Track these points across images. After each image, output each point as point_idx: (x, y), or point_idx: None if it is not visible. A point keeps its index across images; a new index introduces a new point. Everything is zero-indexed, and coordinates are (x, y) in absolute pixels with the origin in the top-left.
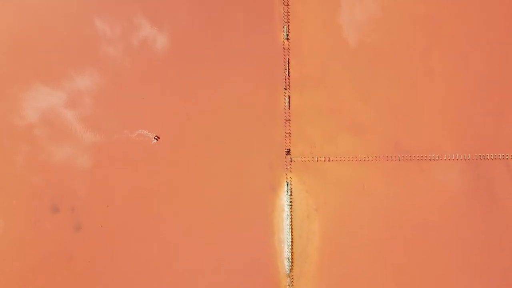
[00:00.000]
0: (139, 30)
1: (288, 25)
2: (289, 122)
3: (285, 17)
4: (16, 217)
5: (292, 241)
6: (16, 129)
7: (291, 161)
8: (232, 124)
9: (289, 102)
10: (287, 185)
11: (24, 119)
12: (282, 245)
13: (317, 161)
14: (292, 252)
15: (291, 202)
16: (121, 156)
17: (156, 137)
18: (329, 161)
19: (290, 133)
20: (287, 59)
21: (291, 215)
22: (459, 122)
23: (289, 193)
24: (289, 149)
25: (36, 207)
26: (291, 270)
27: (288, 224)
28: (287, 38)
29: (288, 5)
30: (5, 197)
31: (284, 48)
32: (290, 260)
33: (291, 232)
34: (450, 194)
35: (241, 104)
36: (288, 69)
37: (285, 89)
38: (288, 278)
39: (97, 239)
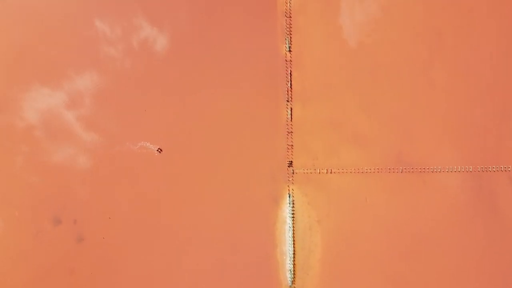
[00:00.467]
0: (139, 31)
1: (291, 37)
2: (291, 134)
3: (288, 29)
4: (18, 229)
5: (294, 253)
6: (16, 133)
7: (293, 173)
8: (234, 136)
9: (291, 114)
10: (289, 197)
11: (24, 120)
12: (284, 257)
13: (319, 173)
14: (294, 264)
15: (293, 214)
16: (123, 168)
17: (159, 150)
18: (331, 173)
19: (292, 145)
20: (289, 71)
21: (293, 227)
22: (461, 134)
23: (291, 205)
24: (291, 161)
25: (38, 218)
26: (293, 282)
27: (290, 236)
28: (290, 50)
29: (291, 17)
30: (7, 208)
31: (286, 60)
32: (292, 272)
33: (293, 244)
34: (452, 206)
35: (243, 116)
36: (291, 81)
37: (288, 101)
38: None
39: (99, 251)
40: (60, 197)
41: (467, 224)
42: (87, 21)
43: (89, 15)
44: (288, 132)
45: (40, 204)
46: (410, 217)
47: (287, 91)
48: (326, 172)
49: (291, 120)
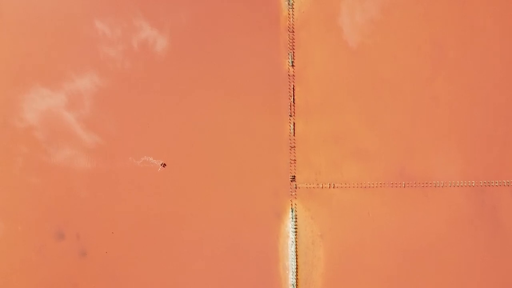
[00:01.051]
0: (140, 32)
1: (293, 52)
2: (294, 149)
3: (290, 44)
4: (21, 244)
5: (297, 268)
6: (16, 135)
7: (296, 188)
8: (237, 151)
9: (294, 129)
10: (292, 211)
11: (24, 121)
12: (287, 272)
13: (322, 187)
14: (297, 278)
15: (296, 228)
16: (126, 183)
17: (163, 164)
18: (334, 187)
19: (295, 160)
20: (292, 86)
21: (296, 241)
22: (464, 149)
23: (294, 219)
24: (294, 176)
25: (41, 233)
26: None
27: (293, 250)
28: (292, 65)
29: (293, 32)
30: (11, 223)
31: (289, 75)
32: (295, 287)
33: (296, 258)
34: (454, 220)
35: (246, 131)
36: (293, 96)
37: (290, 116)
38: None
39: (102, 266)
40: (63, 211)
41: (470, 238)
42: (87, 22)
43: (89, 17)
44: (291, 147)
45: (43, 219)
46: (413, 231)
47: (290, 106)
48: (328, 186)
49: (293, 135)
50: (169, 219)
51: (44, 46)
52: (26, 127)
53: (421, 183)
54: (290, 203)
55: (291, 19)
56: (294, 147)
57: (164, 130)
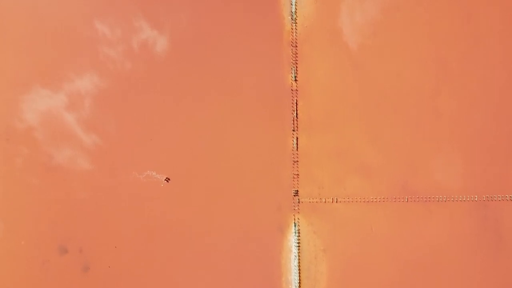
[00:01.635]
0: (140, 33)
1: (296, 67)
2: (297, 164)
3: (293, 59)
4: (24, 258)
5: (299, 282)
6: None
7: (299, 202)
8: (240, 165)
9: (297, 143)
10: (295, 226)
11: (23, 122)
12: (290, 287)
13: (325, 202)
14: None
15: (298, 243)
16: (129, 197)
17: (167, 179)
18: (337, 202)
19: (298, 175)
20: (295, 101)
21: (298, 256)
22: (467, 163)
23: (297, 234)
24: (297, 190)
25: (44, 248)
26: None
27: (296, 265)
28: (295, 80)
29: (296, 46)
30: (14, 238)
31: (292, 90)
32: None
33: (299, 273)
34: (457, 235)
35: (250, 145)
36: (296, 110)
37: (293, 130)
38: None
39: (105, 280)
40: (66, 226)
41: (472, 253)
42: (87, 23)
43: (89, 17)
44: (294, 161)
45: (46, 234)
46: (416, 246)
47: (293, 121)
48: (331, 201)
49: (297, 149)
50: (171, 234)
51: (44, 46)
52: (26, 127)
53: (424, 198)
54: (293, 218)
55: (294, 33)
56: (297, 161)
57: (167, 146)
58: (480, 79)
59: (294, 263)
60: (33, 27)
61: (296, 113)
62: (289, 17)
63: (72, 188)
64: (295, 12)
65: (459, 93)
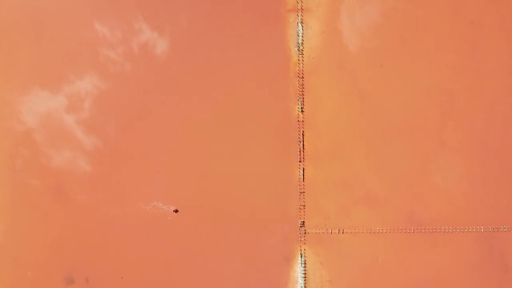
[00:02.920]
0: (140, 34)
1: (303, 98)
2: (303, 194)
3: (300, 90)
4: None
5: None
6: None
7: (305, 233)
8: (247, 197)
9: (303, 174)
10: (301, 257)
11: (23, 123)
12: None
13: (331, 233)
14: None
15: (305, 273)
16: (136, 227)
17: (175, 210)
18: (343, 233)
19: (304, 205)
20: (301, 132)
21: (305, 287)
22: (473, 195)
23: (303, 264)
24: (304, 221)
25: (50, 278)
26: None
27: None
28: (302, 111)
29: (303, 78)
30: (20, 269)
31: (298, 121)
32: None
33: None
34: (463, 266)
35: (256, 177)
36: (303, 141)
37: (300, 161)
38: None
39: None
40: (73, 256)
41: (478, 284)
42: (87, 25)
43: (89, 19)
44: (300, 192)
45: (52, 264)
46: (422, 277)
47: (300, 152)
48: (338, 232)
49: (303, 180)
50: (178, 265)
51: (44, 47)
52: (26, 130)
53: (430, 229)
54: (299, 248)
55: (301, 65)
56: (304, 192)
57: (174, 177)
58: (486, 112)
59: None
60: (33, 28)
61: (303, 144)
62: (296, 49)
63: (78, 218)
64: (302, 43)
65: (465, 124)
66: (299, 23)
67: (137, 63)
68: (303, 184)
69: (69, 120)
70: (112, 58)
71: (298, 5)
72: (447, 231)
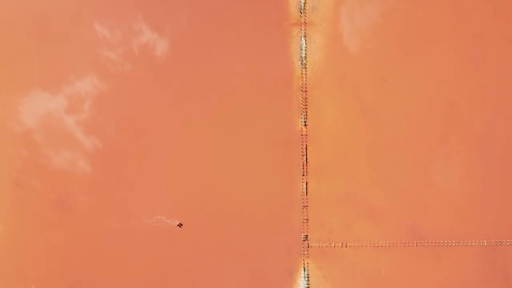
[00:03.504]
0: (140, 36)
1: (306, 112)
2: (306, 208)
3: (303, 104)
4: None
5: None
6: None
7: (308, 247)
8: (250, 211)
9: (306, 188)
10: (304, 270)
11: (23, 124)
12: None
13: (334, 246)
14: None
15: (308, 287)
16: (139, 241)
17: (179, 224)
18: (346, 246)
19: (307, 219)
20: (305, 145)
21: None
22: (475, 208)
23: (306, 278)
24: (307, 235)
25: None
26: None
27: None
28: (305, 125)
29: (306, 91)
30: (24, 282)
31: (302, 135)
32: None
33: None
34: (466, 279)
35: (259, 191)
36: (306, 155)
37: (303, 175)
38: None
39: None
40: (75, 269)
41: None
42: (87, 25)
43: (90, 20)
44: (304, 206)
45: (56, 278)
46: None
47: (303, 165)
48: (341, 245)
49: (306, 194)
50: (181, 277)
51: (43, 48)
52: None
53: (433, 243)
54: (303, 262)
55: (304, 79)
56: (307, 206)
57: (177, 191)
58: (489, 125)
59: None
60: (33, 29)
61: (306, 158)
62: (299, 63)
63: (80, 231)
64: (305, 57)
65: (467, 137)
66: (302, 37)
67: (137, 64)
68: (306, 198)
69: (69, 121)
70: (112, 59)
71: (302, 19)
72: (450, 244)
